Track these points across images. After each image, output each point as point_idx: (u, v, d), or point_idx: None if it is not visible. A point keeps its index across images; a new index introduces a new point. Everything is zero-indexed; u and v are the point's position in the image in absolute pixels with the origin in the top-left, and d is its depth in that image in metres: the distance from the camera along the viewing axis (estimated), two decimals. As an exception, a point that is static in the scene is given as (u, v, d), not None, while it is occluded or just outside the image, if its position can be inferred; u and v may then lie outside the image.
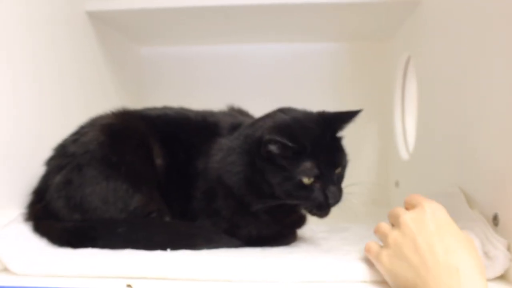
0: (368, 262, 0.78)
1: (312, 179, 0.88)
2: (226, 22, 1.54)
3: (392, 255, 0.71)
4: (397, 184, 1.58)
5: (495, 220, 0.81)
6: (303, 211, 0.98)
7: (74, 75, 1.32)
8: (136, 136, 0.99)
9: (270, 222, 0.97)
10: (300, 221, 1.03)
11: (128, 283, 0.75)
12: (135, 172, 0.96)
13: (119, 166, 0.95)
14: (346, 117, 0.94)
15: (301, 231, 1.07)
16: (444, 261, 0.64)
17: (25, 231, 0.94)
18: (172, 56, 1.85)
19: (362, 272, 0.76)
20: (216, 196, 0.96)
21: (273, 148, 0.88)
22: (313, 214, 0.93)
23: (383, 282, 0.74)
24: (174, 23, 1.55)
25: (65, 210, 0.95)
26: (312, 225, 1.15)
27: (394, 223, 0.74)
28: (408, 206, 0.75)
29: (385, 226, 0.76)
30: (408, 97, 1.58)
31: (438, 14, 1.18)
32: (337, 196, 0.90)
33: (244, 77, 1.82)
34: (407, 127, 1.57)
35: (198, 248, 0.90)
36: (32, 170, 1.04)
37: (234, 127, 1.02)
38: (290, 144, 0.86)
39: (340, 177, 0.94)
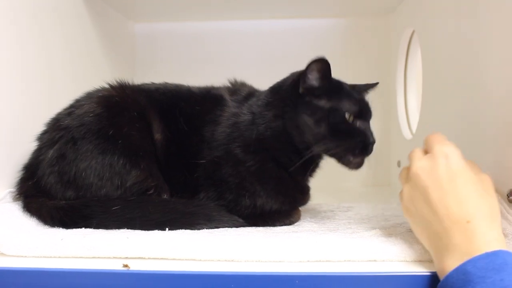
0: (377, 240, 0.75)
1: (352, 118, 0.90)
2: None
3: (406, 209, 0.72)
4: (399, 164, 1.54)
5: (510, 197, 0.77)
6: (339, 160, 0.92)
7: (63, 49, 1.25)
8: (135, 108, 0.93)
9: (279, 190, 0.93)
10: (306, 196, 1.00)
11: (125, 263, 0.71)
12: (133, 146, 0.90)
13: (116, 139, 0.89)
14: (365, 87, 1.00)
15: (304, 211, 1.03)
16: (456, 213, 0.63)
17: (14, 210, 0.90)
18: (167, 33, 1.79)
19: (371, 250, 0.72)
20: (224, 163, 0.91)
21: (314, 77, 0.90)
22: (348, 162, 0.91)
23: (391, 260, 0.71)
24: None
25: (58, 187, 0.90)
26: (315, 205, 1.12)
27: (408, 175, 0.72)
28: (425, 147, 0.73)
29: (403, 172, 0.75)
30: (410, 74, 1.53)
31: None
32: (373, 136, 0.92)
33: (241, 54, 1.77)
34: (409, 106, 1.53)
35: (198, 227, 0.85)
36: (21, 146, 0.99)
37: (246, 97, 0.99)
38: (330, 73, 0.90)
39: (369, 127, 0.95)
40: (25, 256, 0.75)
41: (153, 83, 1.04)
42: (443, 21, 1.12)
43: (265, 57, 1.76)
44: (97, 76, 1.43)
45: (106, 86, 0.98)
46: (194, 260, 0.73)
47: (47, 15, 1.18)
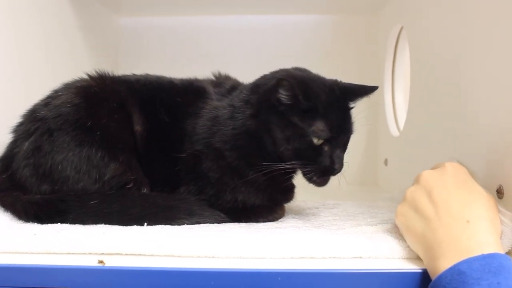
0: (363, 237, 0.73)
1: (321, 141, 0.85)
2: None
3: (407, 207, 0.71)
4: (386, 162, 1.53)
5: (499, 194, 0.75)
6: (304, 176, 0.89)
7: (41, 41, 1.22)
8: (115, 99, 0.90)
9: (260, 188, 0.90)
10: (289, 194, 0.97)
11: (100, 259, 0.68)
12: (112, 138, 0.87)
13: (94, 131, 0.86)
14: (361, 91, 0.91)
15: (288, 208, 1.00)
16: (457, 213, 0.63)
17: (-13, 205, 0.86)
18: (153, 27, 1.75)
19: (357, 247, 0.70)
20: (205, 157, 0.89)
21: (284, 96, 0.84)
22: (312, 181, 0.88)
23: (377, 257, 0.69)
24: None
25: (33, 180, 0.86)
26: (300, 202, 1.10)
27: (416, 182, 0.73)
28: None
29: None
30: (398, 71, 1.52)
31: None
32: (342, 163, 0.87)
33: (229, 50, 1.74)
34: (397, 103, 1.52)
35: (178, 222, 0.82)
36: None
37: (229, 90, 0.96)
38: (302, 97, 0.83)
39: (345, 147, 0.90)
40: (-3, 252, 0.72)
41: (133, 74, 1.01)
42: (431, 17, 1.11)
43: (253, 53, 1.73)
44: (78, 70, 1.37)
45: (85, 76, 0.95)
46: (173, 256, 0.70)
47: (25, 5, 1.14)
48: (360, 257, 0.69)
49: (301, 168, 0.87)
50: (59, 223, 0.80)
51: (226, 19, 1.73)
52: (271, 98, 0.85)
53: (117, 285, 0.66)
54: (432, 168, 0.75)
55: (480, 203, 0.65)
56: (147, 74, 1.01)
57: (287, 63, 1.64)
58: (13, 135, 0.93)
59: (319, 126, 0.84)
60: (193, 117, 0.92)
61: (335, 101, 0.87)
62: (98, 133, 0.86)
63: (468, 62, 0.89)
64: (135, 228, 0.77)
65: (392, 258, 0.69)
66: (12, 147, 0.91)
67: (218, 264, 0.67)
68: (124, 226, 0.78)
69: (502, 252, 0.60)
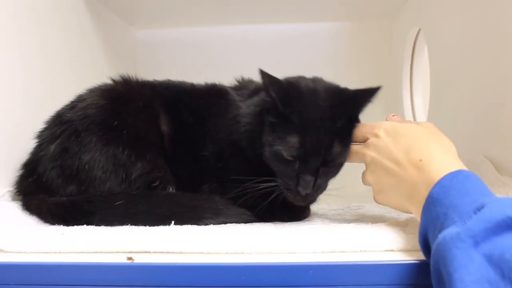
0: (394, 230, 0.71)
1: (291, 158, 0.79)
2: (224, 0, 1.47)
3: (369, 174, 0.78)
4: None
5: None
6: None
7: (64, 52, 1.24)
8: (140, 99, 0.91)
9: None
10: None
11: (129, 256, 0.67)
12: (138, 136, 0.87)
13: (120, 130, 0.86)
14: (362, 97, 0.83)
15: (313, 211, 0.99)
16: (408, 160, 0.69)
17: (13, 208, 0.86)
18: (168, 39, 1.78)
19: (389, 241, 0.69)
20: (225, 154, 0.89)
21: (268, 98, 0.81)
22: (287, 195, 0.82)
23: (408, 250, 0.67)
24: (169, 1, 1.47)
25: (60, 182, 0.87)
26: (323, 205, 1.09)
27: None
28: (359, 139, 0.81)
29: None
30: (416, 75, 1.51)
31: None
32: (309, 188, 0.79)
33: (244, 59, 1.74)
34: (416, 106, 1.51)
35: (204, 221, 0.81)
36: (20, 145, 0.97)
37: (253, 92, 0.95)
38: (278, 102, 0.78)
39: (328, 172, 0.82)
40: (25, 252, 0.71)
41: (155, 80, 1.02)
42: (450, 18, 1.11)
43: (269, 62, 1.71)
44: (98, 81, 1.41)
45: (109, 81, 0.96)
46: (201, 253, 0.69)
47: (49, 20, 1.17)
48: (392, 250, 0.68)
49: (280, 181, 0.83)
50: (85, 225, 0.80)
51: (241, 28, 1.75)
52: (267, 102, 0.83)
53: (146, 281, 0.65)
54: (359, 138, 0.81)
55: (420, 140, 0.70)
56: (169, 79, 1.02)
57: (303, 72, 1.64)
58: (37, 141, 0.94)
59: (292, 139, 0.78)
60: (216, 117, 0.92)
61: (328, 119, 0.79)
62: (125, 132, 0.86)
63: (487, 63, 0.88)
64: (162, 227, 0.76)
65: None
66: (37, 151, 0.92)
67: (248, 260, 0.66)
68: (151, 226, 0.77)
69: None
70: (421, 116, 1.47)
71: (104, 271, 0.66)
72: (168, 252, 0.69)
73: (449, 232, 0.51)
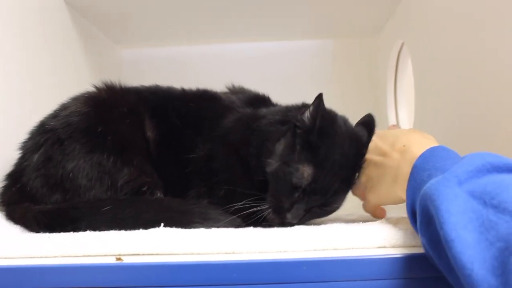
0: (385, 228, 0.71)
1: (297, 185, 0.80)
2: (208, 19, 1.49)
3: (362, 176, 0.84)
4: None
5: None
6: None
7: (49, 70, 1.23)
8: (124, 105, 0.90)
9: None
10: None
11: (118, 256, 0.66)
12: (123, 142, 0.86)
13: (104, 136, 0.85)
14: (369, 134, 0.87)
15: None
16: (392, 149, 0.75)
17: (-3, 218, 0.84)
18: (153, 58, 1.78)
19: (381, 238, 0.68)
20: (217, 155, 0.88)
21: (306, 117, 0.82)
22: (267, 214, 0.82)
23: (401, 246, 0.67)
24: (153, 18, 1.49)
25: (44, 191, 0.85)
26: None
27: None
28: None
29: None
30: (400, 89, 1.54)
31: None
32: (297, 219, 0.80)
33: (230, 77, 1.72)
34: (401, 120, 1.52)
35: (193, 227, 0.80)
36: (3, 158, 0.95)
37: (253, 99, 0.98)
38: (316, 131, 0.80)
39: (319, 213, 0.84)
40: (10, 258, 0.69)
41: (142, 85, 1.01)
42: (433, 30, 1.13)
43: (253, 80, 1.72)
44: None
45: (92, 88, 0.95)
46: (192, 254, 0.68)
47: (35, 35, 1.17)
48: (384, 247, 0.68)
49: (268, 193, 0.83)
50: (71, 232, 0.78)
51: (225, 47, 1.76)
52: (297, 113, 0.85)
53: (137, 281, 0.64)
54: None
55: (403, 136, 0.76)
56: (157, 84, 1.02)
57: (287, 89, 1.66)
58: (21, 151, 0.92)
59: (307, 170, 0.79)
60: (212, 119, 0.92)
61: (344, 163, 0.81)
62: (109, 138, 0.85)
63: (473, 72, 0.90)
64: (151, 229, 0.75)
65: (415, 246, 0.67)
66: (21, 162, 0.90)
67: (239, 259, 0.65)
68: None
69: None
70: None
71: (93, 272, 0.64)
72: (158, 254, 0.68)
73: (435, 179, 0.56)
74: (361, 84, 1.70)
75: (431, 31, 1.15)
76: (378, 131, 0.86)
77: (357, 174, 0.85)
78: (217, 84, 1.72)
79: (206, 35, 1.68)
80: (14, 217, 0.84)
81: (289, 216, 0.79)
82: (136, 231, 0.73)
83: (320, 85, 1.68)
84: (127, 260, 0.66)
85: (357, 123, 0.90)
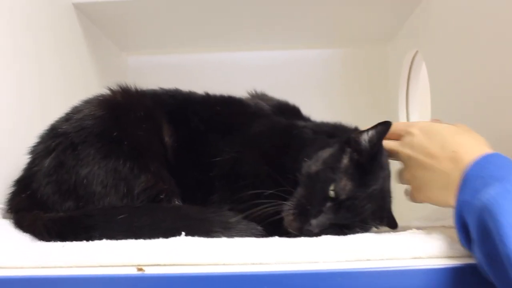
0: (420, 238, 0.68)
1: (332, 195, 0.77)
2: (215, 27, 1.47)
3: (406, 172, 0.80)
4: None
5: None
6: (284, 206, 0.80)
7: (57, 73, 1.20)
8: (141, 109, 0.86)
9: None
10: None
11: (139, 267, 0.62)
12: (140, 147, 0.82)
13: (121, 141, 0.81)
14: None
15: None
16: (442, 153, 0.70)
17: (5, 225, 0.80)
18: (159, 65, 1.75)
19: (417, 247, 0.65)
20: (244, 157, 0.85)
21: (366, 138, 0.80)
22: (285, 215, 0.78)
23: (438, 257, 0.64)
24: (159, 25, 1.46)
25: (56, 198, 0.80)
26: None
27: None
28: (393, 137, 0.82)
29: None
30: (412, 98, 1.51)
31: (447, 3, 1.14)
32: (319, 228, 0.76)
33: (236, 86, 1.71)
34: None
35: (213, 235, 0.75)
36: (12, 162, 0.91)
37: (282, 108, 0.99)
38: (369, 155, 0.79)
39: (339, 232, 0.79)
40: (23, 267, 0.65)
41: (161, 88, 0.98)
42: (450, 39, 1.11)
43: (260, 89, 1.72)
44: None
45: (106, 91, 0.91)
46: (217, 265, 0.64)
47: (44, 39, 1.15)
48: (420, 257, 0.64)
49: (294, 194, 0.80)
50: (84, 241, 0.74)
51: (232, 55, 1.73)
52: (350, 133, 0.83)
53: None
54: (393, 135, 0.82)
55: (453, 134, 0.72)
56: (177, 88, 0.98)
57: (295, 99, 1.62)
58: (30, 156, 0.88)
59: (350, 184, 0.77)
60: (238, 124, 0.91)
61: (382, 188, 0.82)
62: (126, 143, 0.81)
63: (493, 82, 0.88)
64: (171, 238, 0.70)
65: (452, 257, 0.64)
66: (30, 167, 0.86)
67: (267, 270, 0.61)
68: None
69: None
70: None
71: (113, 283, 0.60)
72: (180, 265, 0.64)
73: (493, 189, 0.54)
74: (371, 94, 1.67)
75: (448, 39, 1.12)
76: (421, 123, 0.79)
77: (385, 213, 0.86)
78: (222, 92, 1.70)
79: (213, 43, 1.66)
80: (22, 225, 0.79)
81: (313, 222, 0.75)
82: (156, 240, 0.69)
83: (329, 95, 1.67)
84: (148, 271, 0.61)
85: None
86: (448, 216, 0.98)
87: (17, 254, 0.66)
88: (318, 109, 1.33)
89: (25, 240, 0.76)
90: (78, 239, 0.74)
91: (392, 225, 0.87)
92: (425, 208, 1.09)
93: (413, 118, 1.50)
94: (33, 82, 1.07)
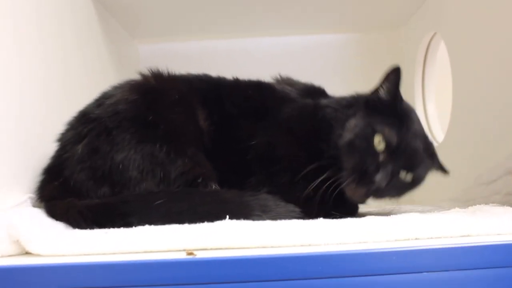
0: (465, 215, 0.67)
1: (383, 146, 0.79)
2: (228, 12, 1.45)
3: None
4: None
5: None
6: (342, 180, 0.82)
7: (78, 60, 1.18)
8: (175, 92, 0.85)
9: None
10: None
11: (189, 251, 0.60)
12: (176, 131, 0.80)
13: (156, 125, 0.79)
14: None
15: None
16: None
17: (38, 213, 0.78)
18: (170, 53, 1.73)
19: (465, 225, 0.64)
20: (280, 141, 0.85)
21: (385, 88, 0.85)
22: (346, 187, 0.80)
23: (487, 234, 0.63)
24: (170, 12, 1.44)
25: (90, 184, 0.79)
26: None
27: None
28: None
29: None
30: (429, 82, 1.50)
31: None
32: (386, 180, 0.78)
33: (251, 73, 1.68)
34: (429, 113, 1.49)
35: (252, 219, 0.74)
36: (39, 150, 0.88)
37: (309, 90, 0.99)
38: (398, 102, 0.83)
39: (405, 183, 0.83)
40: (63, 255, 0.63)
41: (189, 73, 0.97)
42: (471, 20, 1.11)
43: (275, 75, 1.70)
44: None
45: (138, 76, 0.90)
46: (265, 247, 0.63)
47: (70, 35, 1.14)
48: (469, 235, 0.63)
49: (344, 167, 0.82)
50: (122, 227, 0.72)
51: (245, 41, 1.71)
52: (373, 93, 0.87)
53: (210, 277, 0.58)
54: None
55: None
56: (205, 73, 0.98)
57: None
58: (58, 144, 0.86)
59: (387, 130, 0.80)
60: (270, 108, 0.91)
61: (420, 128, 0.86)
62: (162, 127, 0.79)
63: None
64: (216, 222, 0.69)
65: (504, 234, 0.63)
66: (60, 154, 0.84)
67: (315, 251, 0.60)
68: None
69: None
70: (435, 123, 1.45)
71: (163, 268, 0.58)
72: (228, 248, 0.63)
73: None
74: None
75: (469, 19, 1.12)
76: None
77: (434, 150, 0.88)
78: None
79: (225, 30, 1.63)
80: (56, 213, 0.77)
81: (377, 177, 0.77)
82: (201, 224, 0.68)
83: (345, 80, 1.65)
84: (198, 255, 0.60)
85: None
86: (477, 197, 0.98)
87: (59, 242, 0.64)
88: (333, 93, 1.33)
89: (61, 228, 0.74)
90: (115, 226, 0.72)
91: (443, 169, 0.90)
92: (454, 190, 1.09)
93: (429, 103, 1.49)
94: (58, 69, 1.05)
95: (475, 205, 0.85)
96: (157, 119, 0.80)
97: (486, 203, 0.85)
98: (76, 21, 1.19)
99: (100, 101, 0.85)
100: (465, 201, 0.99)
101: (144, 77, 0.90)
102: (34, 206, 0.83)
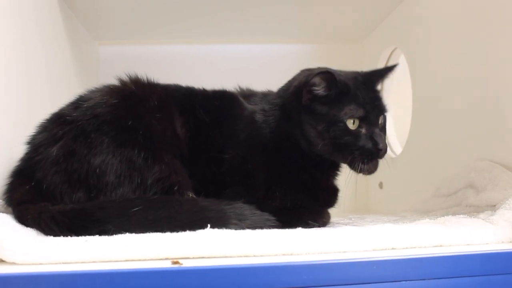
0: (439, 226, 0.71)
1: (357, 123, 0.86)
2: (191, 18, 1.46)
3: None
4: (381, 185, 1.52)
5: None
6: (351, 167, 0.90)
7: (40, 62, 1.14)
8: (155, 98, 0.84)
9: (305, 187, 0.91)
10: (334, 196, 0.97)
11: (175, 260, 0.60)
12: (155, 137, 0.80)
13: (136, 130, 0.78)
14: (383, 72, 0.97)
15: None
16: None
17: (6, 218, 0.74)
18: (130, 55, 1.70)
19: (438, 236, 0.67)
20: (249, 158, 0.88)
21: (318, 89, 0.87)
22: (360, 170, 0.88)
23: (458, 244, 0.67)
24: (133, 15, 1.43)
25: (65, 187, 0.77)
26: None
27: None
28: None
29: None
30: (386, 97, 1.54)
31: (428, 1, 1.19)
32: (385, 143, 0.88)
33: (211, 79, 1.66)
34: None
35: (230, 227, 0.74)
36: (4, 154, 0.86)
37: (261, 98, 1.00)
38: (336, 83, 0.86)
39: (383, 129, 0.92)
40: (40, 264, 0.61)
41: (162, 84, 0.96)
42: (431, 36, 1.16)
43: (234, 83, 1.71)
44: (69, 88, 1.31)
45: (115, 82, 0.89)
46: (247, 256, 0.63)
47: (33, 35, 1.10)
48: (441, 245, 0.67)
49: (344, 160, 0.89)
50: (97, 235, 0.70)
51: (207, 47, 1.72)
52: (301, 96, 0.89)
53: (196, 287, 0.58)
54: None
55: None
56: (176, 83, 0.99)
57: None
58: (29, 146, 0.84)
59: (351, 107, 0.86)
60: (232, 120, 0.92)
61: (361, 85, 0.91)
62: (141, 132, 0.79)
63: (476, 75, 0.94)
64: (198, 231, 0.69)
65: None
66: (31, 156, 0.81)
67: (298, 260, 0.61)
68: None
69: None
70: (393, 136, 1.51)
71: (147, 278, 0.58)
72: (210, 257, 0.63)
73: None
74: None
75: (429, 36, 1.17)
76: None
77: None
78: (195, 85, 1.68)
79: (187, 35, 1.64)
80: (26, 218, 0.74)
81: (381, 146, 0.86)
82: (182, 233, 0.67)
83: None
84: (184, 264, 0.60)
85: None
86: (437, 208, 1.03)
87: (36, 249, 0.62)
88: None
89: (32, 235, 0.72)
90: (90, 233, 0.70)
91: None
92: (414, 201, 1.14)
93: (387, 115, 1.54)
94: (20, 70, 1.01)
95: (436, 215, 0.90)
96: (137, 124, 0.79)
97: (447, 214, 0.89)
98: (40, 18, 1.15)
99: (77, 104, 0.83)
100: (425, 211, 1.03)
101: (123, 82, 0.88)
102: (2, 211, 0.80)
